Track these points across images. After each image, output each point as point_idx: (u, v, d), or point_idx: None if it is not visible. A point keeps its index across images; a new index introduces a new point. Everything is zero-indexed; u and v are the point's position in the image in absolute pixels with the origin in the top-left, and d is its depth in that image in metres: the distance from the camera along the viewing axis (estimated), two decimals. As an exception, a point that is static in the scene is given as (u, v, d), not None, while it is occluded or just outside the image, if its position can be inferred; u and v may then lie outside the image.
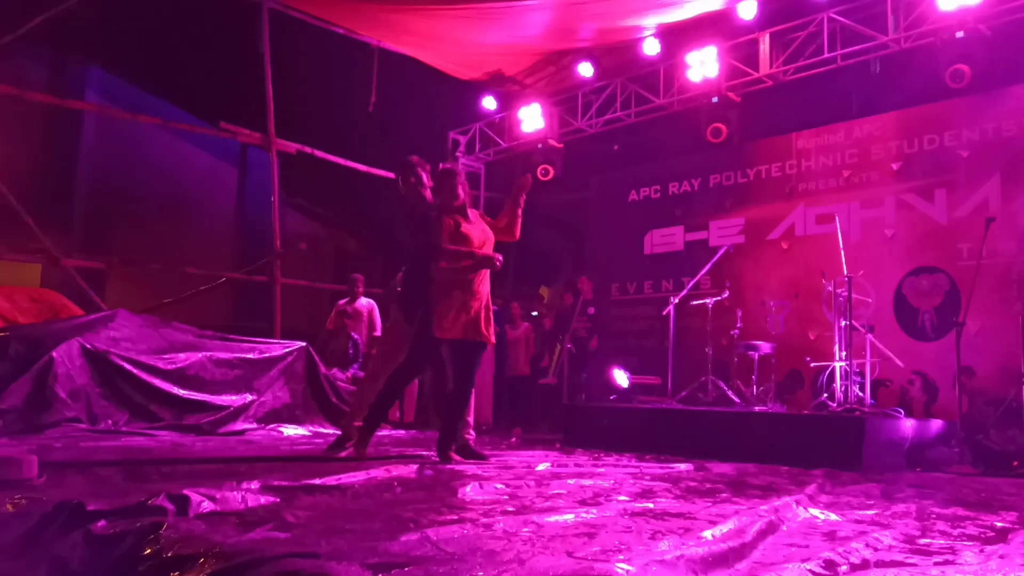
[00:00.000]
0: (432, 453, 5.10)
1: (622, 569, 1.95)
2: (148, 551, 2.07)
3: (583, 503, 3.27)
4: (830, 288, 7.22)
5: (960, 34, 8.17)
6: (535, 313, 12.02)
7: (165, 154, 14.06)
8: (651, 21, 9.89)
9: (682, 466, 5.08)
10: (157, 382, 7.09)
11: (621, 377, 8.64)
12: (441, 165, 5.26)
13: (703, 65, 9.78)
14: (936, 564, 2.35)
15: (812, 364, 7.56)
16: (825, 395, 6.95)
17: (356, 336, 9.37)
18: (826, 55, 8.97)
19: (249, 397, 7.64)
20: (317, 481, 3.37)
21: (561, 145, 11.66)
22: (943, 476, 5.41)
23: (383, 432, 7.36)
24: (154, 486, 3.15)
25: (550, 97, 11.55)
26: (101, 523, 2.24)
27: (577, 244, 12.95)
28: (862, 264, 7.43)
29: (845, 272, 6.90)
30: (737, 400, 7.42)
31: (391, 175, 10.21)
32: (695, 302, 8.24)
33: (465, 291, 4.90)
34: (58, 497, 2.51)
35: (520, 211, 5.28)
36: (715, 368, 7.84)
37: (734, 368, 7.96)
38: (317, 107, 12.10)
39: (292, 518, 2.57)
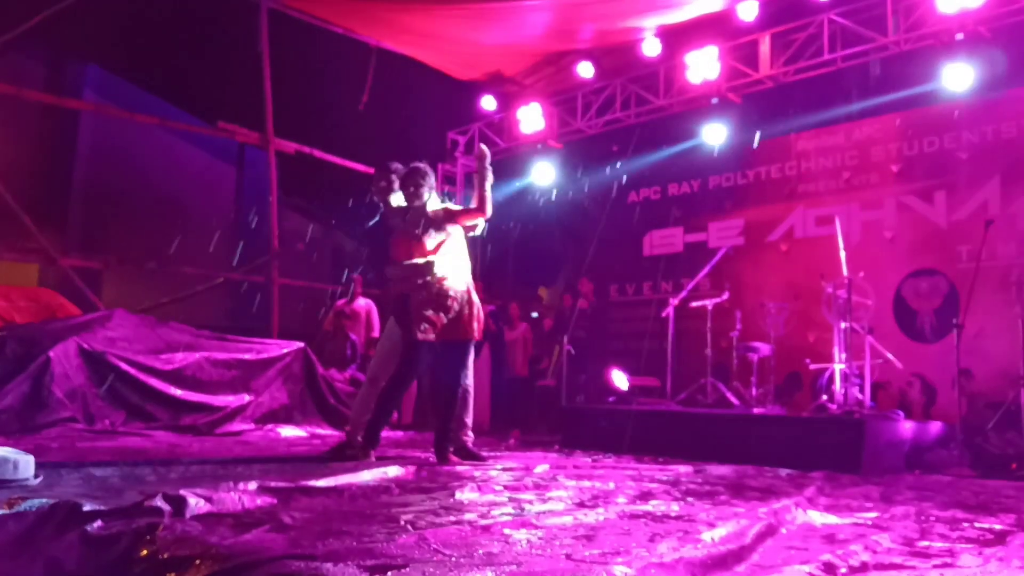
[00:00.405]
0: (430, 455, 5.09)
1: (621, 572, 1.94)
2: (144, 552, 2.06)
3: (582, 505, 3.26)
4: (830, 290, 7.21)
5: (960, 36, 8.18)
6: (535, 314, 12.00)
7: (163, 153, 14.03)
8: (651, 22, 9.89)
9: (681, 468, 5.08)
10: (154, 382, 7.08)
11: (620, 379, 8.63)
12: (413, 164, 5.12)
13: (703, 66, 9.77)
14: (935, 567, 2.35)
15: (811, 366, 7.55)
16: (824, 397, 6.94)
17: (354, 337, 9.37)
18: (826, 56, 8.96)
19: (246, 398, 7.63)
20: (314, 482, 3.36)
21: (561, 145, 11.66)
22: (942, 478, 5.40)
23: (382, 433, 7.34)
24: (150, 487, 3.14)
25: (549, 97, 11.54)
26: (97, 524, 2.24)
27: (576, 245, 12.94)
28: (862, 266, 7.42)
29: (845, 274, 6.89)
30: (736, 402, 7.41)
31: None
32: (694, 304, 8.22)
33: (433, 294, 4.90)
34: (54, 497, 2.49)
35: (486, 185, 5.05)
36: (714, 370, 7.82)
37: (733, 370, 7.94)
38: (316, 107, 12.09)
39: (289, 519, 2.56)
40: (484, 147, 5.18)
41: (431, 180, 5.09)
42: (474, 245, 12.34)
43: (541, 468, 4.77)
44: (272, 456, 5.24)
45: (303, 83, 12.01)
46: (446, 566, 1.99)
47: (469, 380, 5.28)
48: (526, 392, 10.21)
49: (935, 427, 6.53)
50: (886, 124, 9.10)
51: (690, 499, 3.63)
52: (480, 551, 2.21)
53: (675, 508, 3.28)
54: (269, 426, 7.62)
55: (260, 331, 9.60)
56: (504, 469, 4.67)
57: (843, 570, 2.24)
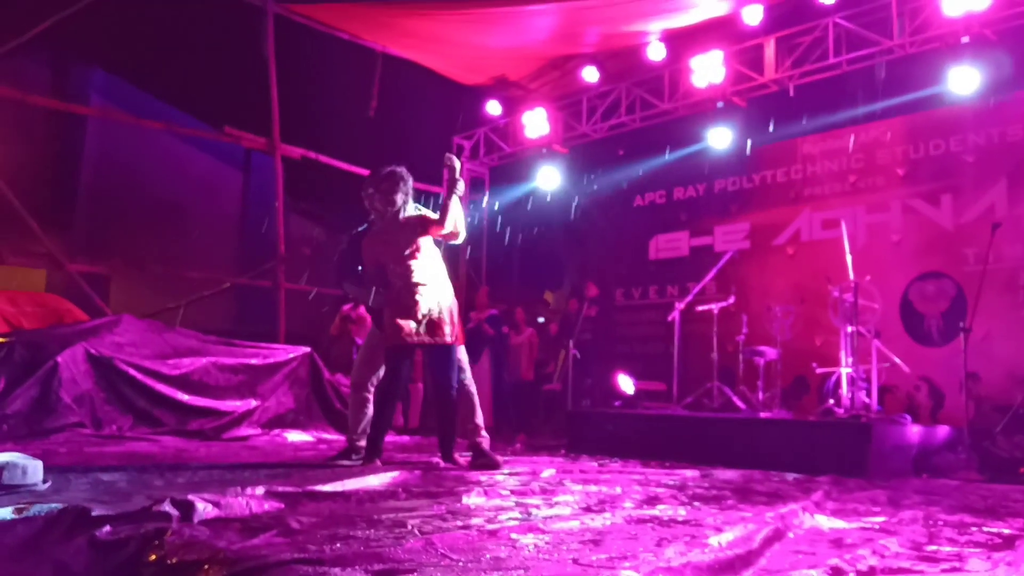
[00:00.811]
0: (437, 459, 5.09)
1: (629, 577, 1.93)
2: (152, 557, 2.07)
3: (588, 510, 3.26)
4: (836, 293, 7.20)
5: (966, 39, 8.17)
6: (541, 319, 12.00)
7: (169, 158, 14.07)
8: (656, 26, 9.89)
9: (688, 473, 5.07)
10: (161, 387, 7.10)
11: (626, 383, 8.63)
12: (388, 168, 5.05)
13: (708, 70, 9.76)
14: (943, 571, 2.34)
15: (818, 370, 7.54)
16: (831, 401, 6.92)
17: (360, 341, 9.37)
18: (831, 60, 8.95)
19: (253, 402, 7.65)
20: (321, 487, 3.36)
21: (566, 150, 11.67)
22: (950, 483, 5.38)
23: (387, 438, 7.33)
24: (158, 492, 3.14)
25: (555, 102, 11.55)
26: (105, 528, 2.24)
27: (582, 249, 12.94)
28: (868, 269, 7.41)
29: (851, 277, 6.88)
30: (743, 406, 7.40)
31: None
32: (700, 307, 8.22)
33: (403, 301, 4.90)
34: (63, 502, 2.50)
35: (450, 198, 4.90)
36: (720, 374, 7.81)
37: (740, 374, 7.93)
38: (321, 112, 12.11)
39: (296, 524, 2.56)
40: (452, 156, 5.06)
41: (406, 186, 5.04)
42: (478, 249, 12.51)
43: (547, 472, 4.77)
44: (279, 461, 5.25)
45: (309, 88, 12.03)
46: (453, 571, 1.99)
47: (470, 382, 5.28)
48: (532, 396, 10.20)
49: (942, 431, 6.50)
50: (892, 127, 9.09)
51: (697, 504, 3.62)
52: (487, 556, 2.21)
53: (682, 513, 3.27)
54: (276, 431, 7.62)
55: (266, 336, 9.61)
56: (511, 474, 4.66)
57: (851, 574, 2.23)
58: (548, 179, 11.82)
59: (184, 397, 7.19)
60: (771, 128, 9.92)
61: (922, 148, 8.79)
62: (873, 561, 2.41)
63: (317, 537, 2.37)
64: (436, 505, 3.22)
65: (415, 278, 4.92)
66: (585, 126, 11.16)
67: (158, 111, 12.62)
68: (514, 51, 10.71)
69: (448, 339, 4.96)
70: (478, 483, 3.99)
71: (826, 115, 9.58)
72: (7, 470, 3.15)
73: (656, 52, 10.18)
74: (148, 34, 11.51)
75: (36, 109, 10.61)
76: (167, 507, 2.49)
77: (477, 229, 11.98)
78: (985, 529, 3.16)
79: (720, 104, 9.88)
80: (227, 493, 2.86)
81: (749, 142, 10.07)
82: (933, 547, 2.73)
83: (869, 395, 6.63)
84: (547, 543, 2.44)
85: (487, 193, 12.60)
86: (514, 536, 2.51)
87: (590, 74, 10.85)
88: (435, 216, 5.01)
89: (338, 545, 2.25)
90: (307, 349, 8.31)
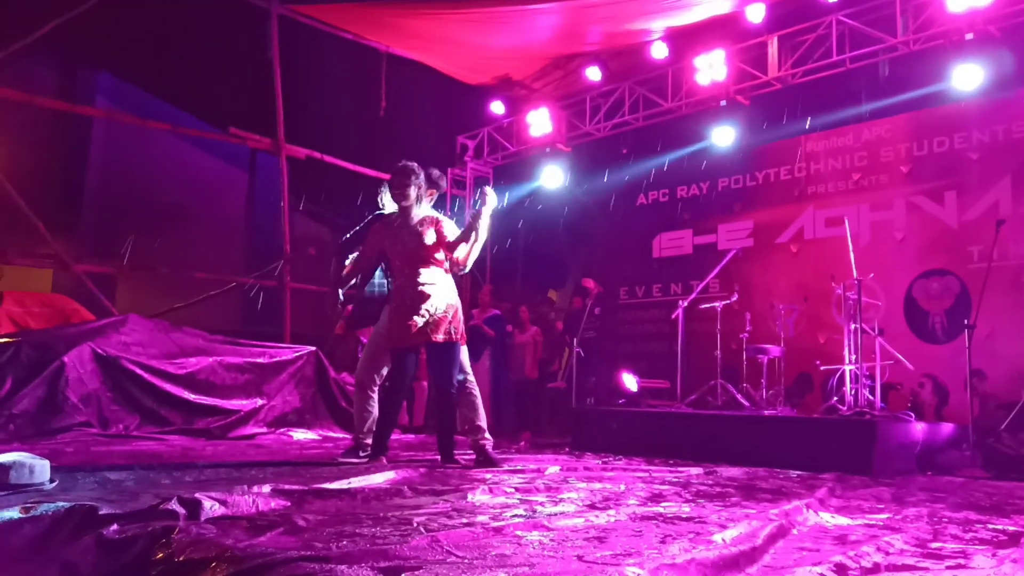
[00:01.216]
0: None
1: (633, 573, 1.94)
2: (160, 555, 2.08)
3: (593, 507, 3.27)
4: (840, 291, 7.20)
5: (969, 36, 8.15)
6: (553, 315, 11.99)
7: (175, 159, 14.10)
8: (659, 25, 9.89)
9: (692, 470, 5.08)
10: (168, 386, 7.13)
11: (630, 381, 8.63)
12: (400, 163, 5.05)
13: (711, 68, 9.77)
14: (948, 568, 2.34)
15: (822, 367, 7.54)
16: (835, 398, 6.93)
17: (365, 341, 9.38)
18: (835, 57, 8.94)
19: (259, 401, 7.68)
20: (327, 485, 3.37)
21: (569, 149, 11.67)
22: (954, 480, 5.38)
23: (393, 436, 7.36)
24: (165, 490, 3.16)
25: (558, 101, 11.56)
26: (113, 527, 2.25)
27: (585, 248, 12.94)
28: (872, 267, 7.41)
29: (855, 275, 6.87)
30: (747, 404, 7.40)
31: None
32: (704, 305, 8.23)
33: (407, 299, 4.93)
34: (70, 501, 2.52)
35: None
36: (724, 372, 7.82)
37: (743, 372, 7.94)
38: (326, 112, 12.14)
39: (303, 522, 2.57)
40: (490, 190, 5.02)
41: (419, 179, 5.04)
42: (482, 247, 12.46)
43: (552, 470, 4.78)
44: (285, 459, 5.26)
45: (313, 89, 12.06)
46: (459, 568, 2.00)
47: (472, 383, 5.29)
48: (536, 394, 10.21)
49: (947, 428, 6.50)
50: (896, 125, 9.08)
51: (701, 501, 3.63)
52: (492, 553, 2.22)
53: (686, 510, 3.28)
54: (282, 429, 7.66)
55: (272, 335, 9.64)
56: (515, 471, 4.68)
57: (855, 571, 2.23)
58: (552, 178, 11.83)
59: (190, 396, 7.22)
60: (774, 126, 9.91)
61: (926, 145, 8.78)
62: (877, 558, 2.42)
63: (323, 535, 2.38)
64: (441, 503, 3.23)
65: (421, 278, 4.94)
66: (588, 125, 11.17)
67: (163, 113, 12.65)
68: (517, 51, 10.72)
69: (450, 338, 4.98)
70: (483, 481, 4.01)
71: (829, 113, 9.58)
72: (14, 469, 3.17)
73: (659, 51, 10.19)
74: (153, 36, 11.54)
75: (42, 111, 10.65)
76: (174, 505, 2.50)
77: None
78: (990, 526, 3.16)
79: (723, 102, 9.87)
80: (234, 491, 2.87)
81: (752, 140, 10.07)
82: (938, 544, 2.73)
83: (873, 393, 6.63)
84: (552, 540, 2.45)
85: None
86: (519, 533, 2.52)
87: (593, 73, 10.86)
88: (456, 232, 5.00)
89: (344, 543, 2.26)
90: (312, 348, 8.34)
